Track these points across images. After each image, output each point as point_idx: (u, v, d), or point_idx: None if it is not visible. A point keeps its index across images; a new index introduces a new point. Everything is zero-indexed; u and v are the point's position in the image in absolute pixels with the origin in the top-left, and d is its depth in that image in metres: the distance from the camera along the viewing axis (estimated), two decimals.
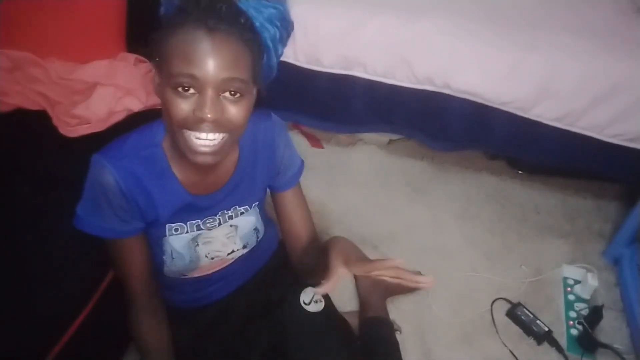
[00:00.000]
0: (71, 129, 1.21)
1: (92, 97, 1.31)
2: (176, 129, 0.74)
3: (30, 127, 1.10)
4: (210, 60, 0.69)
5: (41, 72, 1.28)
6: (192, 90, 0.71)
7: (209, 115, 0.70)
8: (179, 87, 0.70)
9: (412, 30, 1.26)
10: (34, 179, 1.08)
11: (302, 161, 1.04)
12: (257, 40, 0.77)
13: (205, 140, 0.73)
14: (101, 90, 1.33)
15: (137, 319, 0.91)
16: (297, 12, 1.30)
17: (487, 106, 1.29)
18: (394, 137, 1.90)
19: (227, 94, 0.72)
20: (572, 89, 1.20)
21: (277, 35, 0.91)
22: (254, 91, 0.80)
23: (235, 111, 0.74)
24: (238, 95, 0.73)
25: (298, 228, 1.01)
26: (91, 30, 1.40)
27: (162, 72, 0.74)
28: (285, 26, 1.14)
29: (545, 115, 1.26)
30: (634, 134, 1.22)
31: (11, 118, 1.07)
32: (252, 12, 0.77)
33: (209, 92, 0.70)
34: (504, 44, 1.23)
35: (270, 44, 0.78)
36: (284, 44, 0.82)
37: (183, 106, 0.71)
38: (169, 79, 0.71)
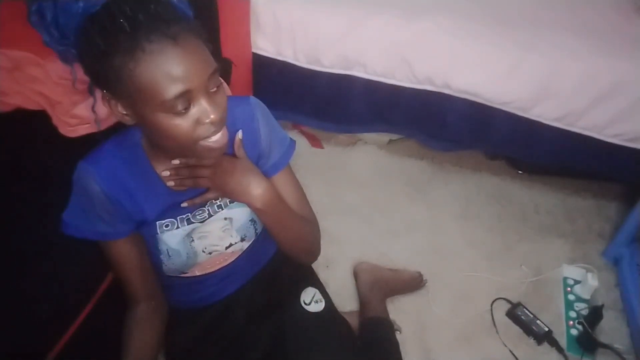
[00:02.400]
0: (71, 129, 1.20)
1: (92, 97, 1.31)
2: (189, 145, 0.74)
3: (30, 127, 1.10)
4: (192, 67, 0.68)
5: (41, 72, 1.28)
6: (186, 105, 0.70)
7: (212, 117, 0.71)
8: (175, 109, 0.69)
9: (412, 30, 1.26)
10: (34, 179, 1.07)
11: (293, 141, 0.99)
12: (191, 18, 0.74)
13: (218, 138, 0.75)
14: None
15: (131, 322, 0.91)
16: (297, 12, 1.30)
17: (487, 106, 1.29)
18: (394, 137, 1.90)
19: (213, 88, 0.72)
20: (572, 89, 1.20)
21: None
22: None
23: (222, 99, 0.75)
24: (218, 84, 0.73)
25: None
26: None
27: (139, 102, 0.69)
28: None
29: (545, 115, 1.26)
30: (634, 134, 1.22)
31: (11, 118, 1.07)
32: None
33: (203, 98, 0.70)
34: (504, 44, 1.23)
35: (189, 12, 0.76)
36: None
37: (185, 124, 0.71)
38: (160, 105, 0.68)
